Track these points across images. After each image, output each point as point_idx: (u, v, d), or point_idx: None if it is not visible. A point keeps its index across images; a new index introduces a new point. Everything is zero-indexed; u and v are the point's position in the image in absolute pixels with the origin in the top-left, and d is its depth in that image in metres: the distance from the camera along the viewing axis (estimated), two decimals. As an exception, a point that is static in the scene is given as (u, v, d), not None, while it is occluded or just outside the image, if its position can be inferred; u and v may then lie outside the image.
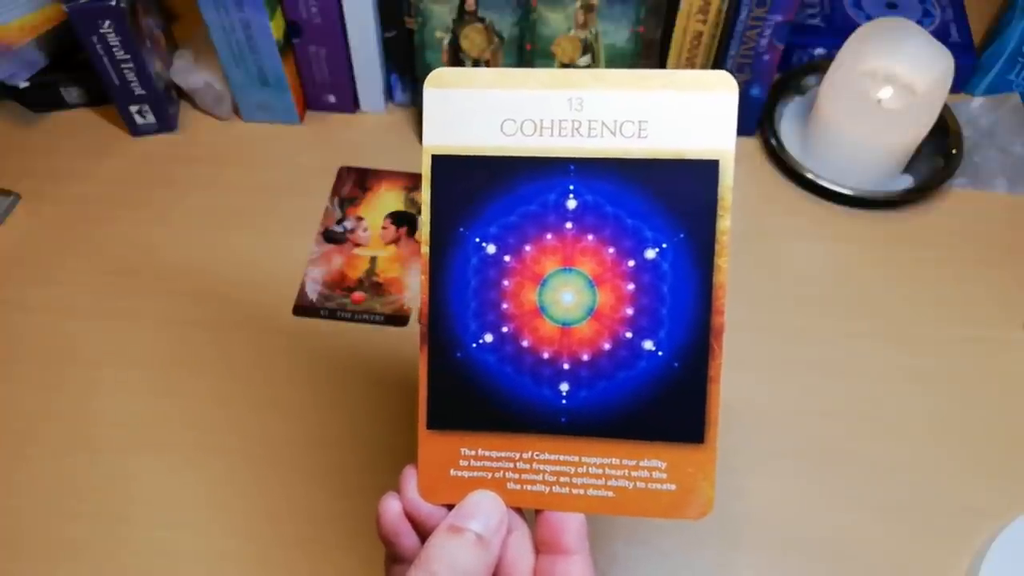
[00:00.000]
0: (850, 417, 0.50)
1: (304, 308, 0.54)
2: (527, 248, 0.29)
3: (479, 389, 0.30)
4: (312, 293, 0.55)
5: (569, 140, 0.29)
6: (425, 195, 0.30)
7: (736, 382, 0.50)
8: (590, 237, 0.29)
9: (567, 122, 0.29)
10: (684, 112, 0.28)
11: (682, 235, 0.29)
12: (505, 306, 0.30)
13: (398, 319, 0.54)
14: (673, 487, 0.30)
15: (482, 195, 0.29)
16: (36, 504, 0.47)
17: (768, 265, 0.56)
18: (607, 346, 0.29)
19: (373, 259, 0.56)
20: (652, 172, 0.29)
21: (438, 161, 0.29)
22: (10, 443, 0.49)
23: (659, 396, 0.29)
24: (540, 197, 0.29)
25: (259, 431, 0.49)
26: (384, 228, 0.58)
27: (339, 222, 0.58)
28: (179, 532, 0.46)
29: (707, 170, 0.28)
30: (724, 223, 0.29)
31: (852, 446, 0.49)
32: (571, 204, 0.29)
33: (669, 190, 0.29)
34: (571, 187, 0.29)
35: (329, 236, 0.58)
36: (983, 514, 0.46)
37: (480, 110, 0.29)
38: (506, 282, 0.30)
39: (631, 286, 0.29)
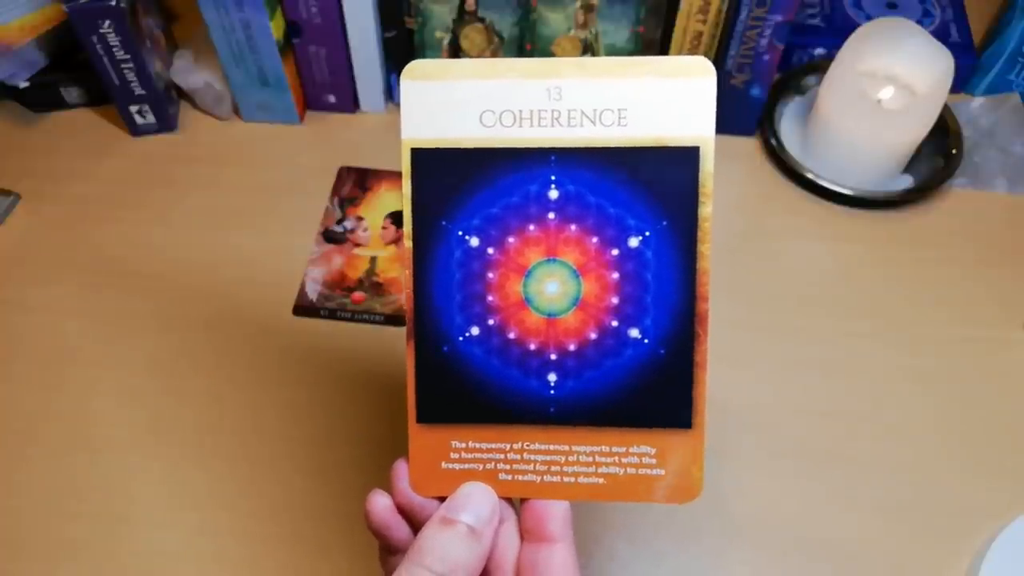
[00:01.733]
0: (850, 417, 0.50)
1: (304, 308, 0.54)
2: (510, 240, 0.29)
3: (467, 382, 0.30)
4: (312, 293, 0.55)
5: (549, 130, 0.29)
6: (406, 189, 0.29)
7: (736, 381, 0.50)
8: (573, 227, 0.29)
9: (546, 112, 0.29)
10: (663, 99, 0.28)
11: (665, 222, 0.29)
12: (490, 299, 0.30)
13: (398, 319, 0.54)
14: (662, 472, 0.30)
15: (463, 188, 0.29)
16: (36, 504, 0.47)
17: (768, 265, 0.56)
18: (593, 335, 0.30)
19: (373, 259, 0.56)
20: (633, 160, 0.29)
21: (418, 154, 0.29)
22: (10, 443, 0.49)
23: (646, 383, 0.29)
24: (522, 188, 0.29)
25: (259, 431, 0.49)
26: (384, 228, 0.58)
27: (339, 222, 0.58)
28: (179, 532, 0.46)
29: (688, 157, 0.28)
30: (706, 209, 0.29)
31: (852, 446, 0.49)
32: (553, 194, 0.29)
33: (651, 178, 0.29)
34: (552, 177, 0.29)
35: (329, 236, 0.58)
36: (983, 514, 0.46)
37: (458, 102, 0.29)
38: (490, 274, 0.30)
39: (615, 275, 0.29)
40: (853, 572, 0.45)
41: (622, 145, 0.29)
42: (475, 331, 0.30)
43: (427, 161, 0.29)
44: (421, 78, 0.29)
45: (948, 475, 0.48)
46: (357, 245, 0.57)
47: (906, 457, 0.48)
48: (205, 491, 0.47)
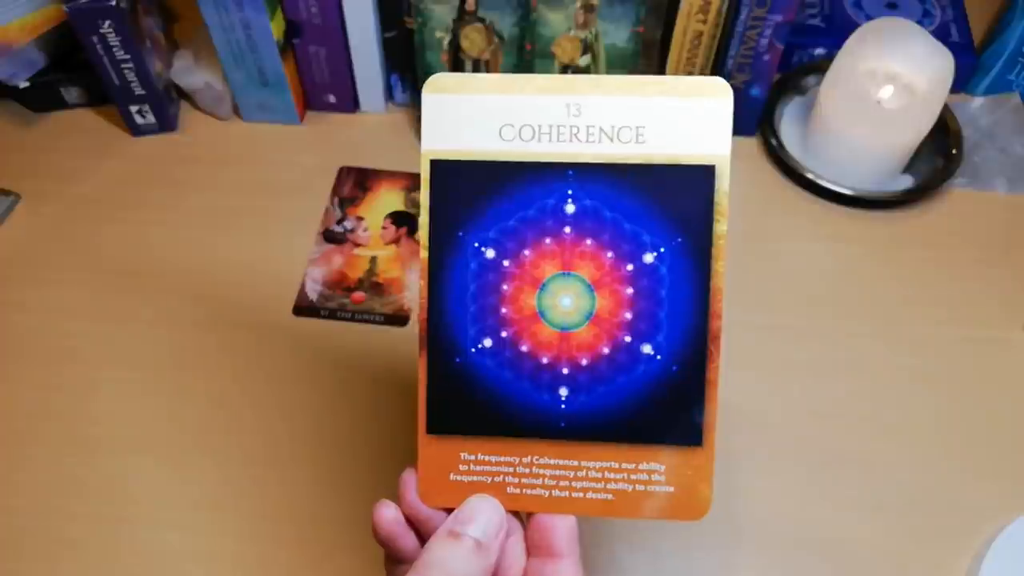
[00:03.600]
0: (850, 417, 0.50)
1: (304, 308, 0.54)
2: (526, 253, 0.30)
3: (479, 394, 0.30)
4: (312, 293, 0.55)
5: (567, 145, 0.29)
6: (424, 200, 0.30)
7: (736, 382, 0.50)
8: (589, 242, 0.29)
9: (565, 127, 0.29)
10: (681, 118, 0.29)
11: (679, 239, 0.29)
12: (504, 311, 0.30)
13: (398, 319, 0.54)
14: (671, 489, 0.30)
15: (481, 200, 0.30)
16: (36, 504, 0.47)
17: (768, 265, 0.56)
18: (606, 350, 0.30)
19: (373, 259, 0.56)
20: (650, 177, 0.29)
21: (437, 166, 0.30)
22: (10, 443, 0.49)
23: (658, 400, 0.30)
24: (539, 202, 0.29)
25: (259, 431, 0.49)
26: (384, 228, 0.58)
27: (339, 222, 0.58)
28: (179, 532, 0.46)
29: (704, 175, 0.29)
30: (721, 227, 0.29)
31: (852, 446, 0.49)
32: (570, 209, 0.29)
33: (666, 195, 0.29)
34: (569, 192, 0.29)
35: (329, 236, 0.58)
36: (983, 514, 0.46)
37: (478, 115, 0.29)
38: (505, 287, 0.30)
39: (629, 290, 0.29)
40: (853, 572, 0.45)
41: (639, 162, 0.29)
42: (488, 343, 0.30)
43: (446, 172, 0.30)
44: (443, 91, 0.29)
45: (948, 475, 0.48)
46: (357, 245, 0.57)
47: (906, 457, 0.48)
48: (205, 491, 0.47)
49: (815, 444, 0.49)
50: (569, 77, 0.29)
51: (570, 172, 0.29)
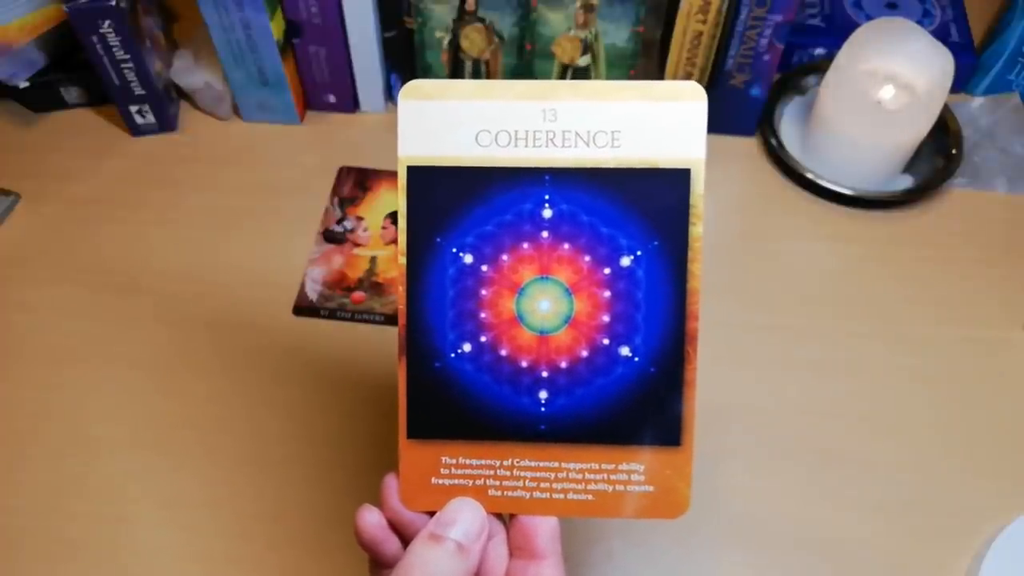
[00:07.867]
0: (850, 417, 0.50)
1: (304, 308, 0.54)
2: (504, 258, 0.30)
3: (458, 399, 0.30)
4: (312, 293, 0.55)
5: (544, 150, 0.29)
6: (401, 206, 0.30)
7: (736, 382, 0.50)
8: (566, 246, 0.30)
9: (541, 132, 0.29)
10: (656, 122, 0.29)
11: (656, 242, 0.29)
12: (483, 316, 0.30)
13: (397, 319, 0.54)
14: (651, 488, 0.30)
15: (458, 205, 0.30)
16: (36, 504, 0.47)
17: (768, 265, 0.56)
18: (584, 353, 0.30)
19: (373, 259, 0.57)
20: (626, 181, 0.29)
21: (414, 172, 0.30)
22: (10, 443, 0.49)
23: (636, 401, 0.30)
24: (516, 207, 0.30)
25: (259, 431, 0.49)
26: (384, 228, 0.58)
27: (339, 222, 0.58)
28: (179, 532, 0.46)
29: (679, 179, 0.29)
30: (697, 230, 0.29)
31: (852, 446, 0.49)
32: (547, 213, 0.30)
33: (642, 199, 0.29)
34: (546, 197, 0.29)
35: (329, 236, 0.58)
36: (983, 514, 0.46)
37: (455, 121, 0.30)
38: (484, 292, 0.30)
39: (607, 293, 0.30)
40: (853, 572, 0.45)
41: (615, 166, 0.29)
42: (467, 348, 0.30)
43: (423, 178, 0.30)
44: (419, 97, 0.30)
45: (948, 475, 0.48)
46: (357, 245, 0.57)
47: (906, 457, 0.48)
48: (205, 491, 0.47)
49: (815, 444, 0.49)
50: (546, 83, 0.30)
51: (547, 177, 0.29)
